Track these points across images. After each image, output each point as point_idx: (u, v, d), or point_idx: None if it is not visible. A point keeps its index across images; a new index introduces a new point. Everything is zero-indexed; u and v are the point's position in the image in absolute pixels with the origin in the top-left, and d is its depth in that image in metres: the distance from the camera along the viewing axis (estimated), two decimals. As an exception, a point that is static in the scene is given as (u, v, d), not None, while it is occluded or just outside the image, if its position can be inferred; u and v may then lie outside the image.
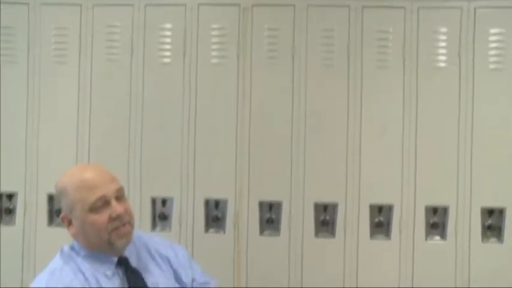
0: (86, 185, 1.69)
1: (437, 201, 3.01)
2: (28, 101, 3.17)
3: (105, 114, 3.15)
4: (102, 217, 1.67)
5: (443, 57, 3.00)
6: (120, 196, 1.72)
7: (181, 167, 3.09)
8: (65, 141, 3.14)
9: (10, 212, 3.16)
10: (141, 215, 3.05)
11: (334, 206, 3.04)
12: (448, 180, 2.99)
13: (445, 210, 3.00)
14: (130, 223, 1.74)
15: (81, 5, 3.15)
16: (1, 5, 3.16)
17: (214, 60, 3.11)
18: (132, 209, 1.78)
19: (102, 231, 1.67)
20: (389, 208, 3.03)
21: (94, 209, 1.67)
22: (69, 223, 1.73)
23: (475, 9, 2.97)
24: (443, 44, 3.00)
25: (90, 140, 3.13)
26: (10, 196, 3.16)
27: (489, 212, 2.97)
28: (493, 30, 2.98)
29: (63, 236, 1.86)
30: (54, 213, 3.12)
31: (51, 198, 3.11)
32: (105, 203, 1.68)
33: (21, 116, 3.16)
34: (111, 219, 1.67)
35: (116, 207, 1.68)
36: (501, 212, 2.96)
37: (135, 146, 3.11)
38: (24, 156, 3.15)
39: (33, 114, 3.16)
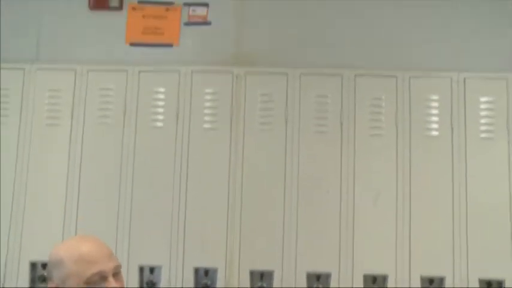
0: (84, 259, 1.64)
1: (433, 272, 2.95)
2: (17, 164, 3.13)
3: (95, 179, 3.12)
4: (96, 292, 1.62)
5: (435, 126, 3.04)
6: (117, 273, 1.69)
7: (171, 234, 3.03)
8: (53, 207, 3.08)
9: (-10, 279, 3.05)
10: (129, 283, 2.95)
11: (327, 276, 2.97)
12: (443, 250, 2.95)
13: (441, 281, 2.94)
14: None
15: (75, 70, 3.20)
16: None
17: (207, 125, 3.12)
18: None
19: (95, 305, 1.62)
20: (384, 278, 2.96)
21: (90, 283, 1.63)
22: None
23: (464, 79, 3.05)
24: (435, 112, 3.05)
25: (78, 206, 3.07)
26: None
27: (487, 284, 2.91)
28: (482, 99, 3.04)
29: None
30: (37, 280, 3.02)
31: (33, 266, 3.01)
32: (101, 278, 1.64)
33: (9, 179, 3.12)
34: (106, 295, 1.63)
35: (112, 284, 1.64)
36: (499, 283, 2.90)
37: (125, 212, 3.06)
38: (9, 222, 3.07)
39: (21, 178, 3.12)
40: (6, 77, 3.20)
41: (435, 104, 3.06)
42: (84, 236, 1.89)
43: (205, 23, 3.30)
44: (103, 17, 3.33)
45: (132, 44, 3.31)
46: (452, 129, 3.02)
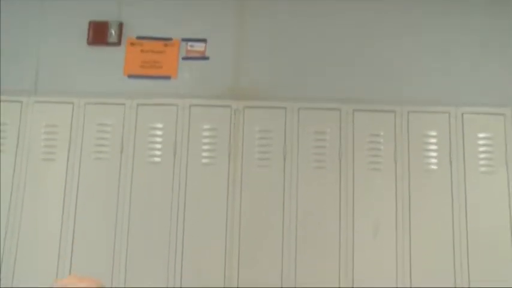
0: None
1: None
2: (11, 199, 3.10)
3: (91, 215, 3.08)
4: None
5: (434, 160, 3.05)
6: None
7: (168, 270, 2.98)
8: (47, 244, 3.03)
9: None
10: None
11: (327, 311, 2.93)
12: (444, 283, 2.92)
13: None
14: None
15: (73, 103, 3.21)
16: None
17: (205, 160, 3.11)
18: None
19: None
20: (385, 312, 2.92)
21: None
22: None
23: (462, 114, 3.07)
24: (433, 147, 3.06)
25: (73, 243, 3.02)
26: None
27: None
28: (480, 135, 3.07)
29: None
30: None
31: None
32: None
33: (2, 214, 3.07)
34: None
35: None
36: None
37: (121, 249, 3.01)
38: (1, 258, 3.01)
39: (15, 213, 3.08)
40: (3, 110, 3.20)
41: (433, 139, 3.08)
42: (80, 277, 1.85)
43: (203, 57, 3.33)
44: (101, 52, 3.35)
45: (130, 76, 3.32)
46: (451, 163, 3.03)
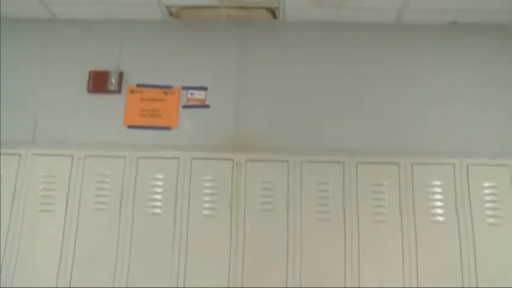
0: None
1: None
2: (5, 252, 3.05)
3: (89, 269, 3.03)
4: None
5: (440, 211, 3.02)
6: None
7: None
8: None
9: None
10: None
11: None
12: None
13: None
14: None
15: (73, 156, 3.19)
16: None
17: (207, 212, 3.08)
18: None
19: None
20: None
21: None
22: None
23: (467, 166, 3.05)
24: (439, 197, 3.04)
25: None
26: None
27: None
28: (486, 184, 3.04)
29: None
30: None
31: None
32: None
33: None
34: None
35: None
36: None
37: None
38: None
39: (9, 266, 3.03)
40: (1, 162, 3.18)
41: (439, 190, 3.05)
42: None
43: (204, 106, 3.33)
44: (101, 100, 3.36)
45: (130, 127, 3.31)
46: (457, 214, 3.00)
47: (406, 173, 3.06)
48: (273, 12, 3.32)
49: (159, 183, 3.13)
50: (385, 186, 3.06)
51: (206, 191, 3.11)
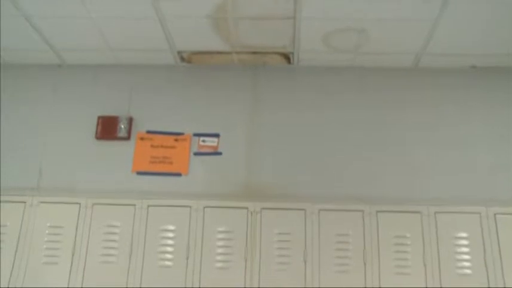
0: None
1: None
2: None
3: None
4: None
5: (467, 264, 2.91)
6: None
7: None
8: None
9: None
10: None
11: None
12: None
13: None
14: None
15: (80, 204, 3.11)
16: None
17: (220, 264, 2.97)
18: None
19: None
20: None
21: None
22: None
23: (494, 215, 2.96)
24: (465, 249, 2.92)
25: None
26: None
27: None
28: (515, 234, 2.95)
29: None
30: None
31: None
32: None
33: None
34: None
35: None
36: None
37: None
38: None
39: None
40: (4, 210, 3.10)
41: (465, 242, 2.94)
42: None
43: (216, 153, 3.27)
44: (110, 147, 3.31)
45: (139, 173, 3.25)
46: (486, 266, 2.88)
47: (429, 222, 2.96)
48: (287, 57, 3.31)
49: (170, 234, 3.04)
50: (407, 237, 2.95)
51: (219, 242, 3.01)
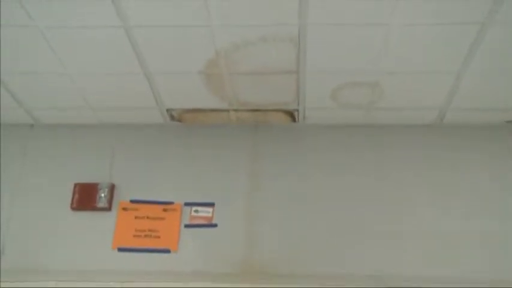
0: None
1: None
2: None
3: None
4: None
5: None
6: None
7: None
8: None
9: None
10: None
11: None
12: None
13: None
14: None
15: (47, 288, 2.96)
16: None
17: None
18: None
19: None
20: None
21: None
22: None
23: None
24: None
25: None
26: None
27: None
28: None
29: None
30: None
31: None
32: None
33: None
34: None
35: None
36: None
37: None
38: None
39: None
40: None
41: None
42: None
43: (211, 225, 3.14)
44: (87, 219, 3.17)
45: (121, 250, 3.09)
46: None
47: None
48: (292, 115, 3.22)
49: (156, 321, 2.86)
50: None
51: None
